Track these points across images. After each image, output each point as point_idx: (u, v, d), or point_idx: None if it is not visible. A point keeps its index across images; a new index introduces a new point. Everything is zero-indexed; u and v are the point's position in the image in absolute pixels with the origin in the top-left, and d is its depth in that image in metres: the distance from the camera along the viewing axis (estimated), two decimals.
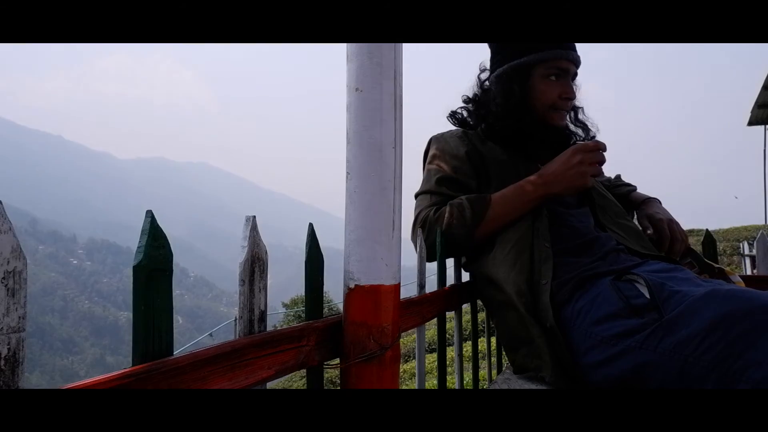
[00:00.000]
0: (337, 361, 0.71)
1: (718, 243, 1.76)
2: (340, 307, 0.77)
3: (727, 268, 1.24)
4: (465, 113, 1.37)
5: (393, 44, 0.70)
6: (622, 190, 1.46)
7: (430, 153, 1.30)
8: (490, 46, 1.31)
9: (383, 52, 0.69)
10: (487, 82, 1.32)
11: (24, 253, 0.37)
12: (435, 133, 1.34)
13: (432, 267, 1.16)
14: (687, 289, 0.87)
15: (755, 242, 1.62)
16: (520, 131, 1.24)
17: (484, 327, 1.56)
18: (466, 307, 1.33)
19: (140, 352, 0.46)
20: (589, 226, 1.18)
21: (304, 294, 0.70)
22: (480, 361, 1.38)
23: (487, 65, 1.33)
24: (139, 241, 0.47)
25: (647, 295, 0.90)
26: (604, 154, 1.15)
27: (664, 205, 1.39)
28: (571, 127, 1.33)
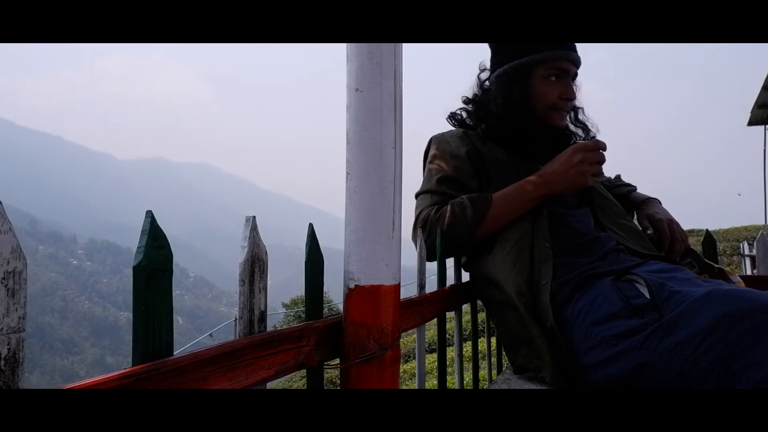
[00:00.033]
0: (337, 361, 0.71)
1: (718, 243, 1.76)
2: (340, 307, 0.77)
3: (727, 268, 1.24)
4: (464, 114, 1.37)
5: (393, 44, 0.70)
6: (622, 190, 1.46)
7: (431, 153, 1.30)
8: (491, 47, 1.31)
9: (383, 52, 0.69)
10: (487, 83, 1.32)
11: (24, 254, 0.37)
12: (435, 133, 1.34)
13: (432, 267, 1.16)
14: (687, 290, 0.87)
15: (755, 242, 1.61)
16: (521, 131, 1.24)
17: (484, 327, 1.56)
18: (466, 307, 1.33)
19: (140, 352, 0.46)
20: (589, 227, 1.18)
21: (304, 294, 0.70)
22: (480, 361, 1.38)
23: (487, 65, 1.33)
24: (139, 242, 0.47)
25: (647, 296, 0.90)
26: (604, 153, 1.15)
27: (664, 205, 1.39)
28: (571, 127, 1.33)
